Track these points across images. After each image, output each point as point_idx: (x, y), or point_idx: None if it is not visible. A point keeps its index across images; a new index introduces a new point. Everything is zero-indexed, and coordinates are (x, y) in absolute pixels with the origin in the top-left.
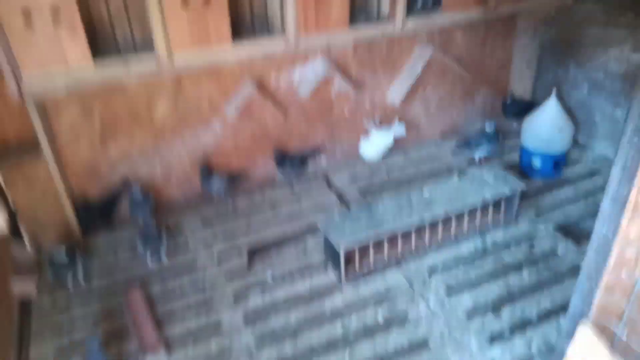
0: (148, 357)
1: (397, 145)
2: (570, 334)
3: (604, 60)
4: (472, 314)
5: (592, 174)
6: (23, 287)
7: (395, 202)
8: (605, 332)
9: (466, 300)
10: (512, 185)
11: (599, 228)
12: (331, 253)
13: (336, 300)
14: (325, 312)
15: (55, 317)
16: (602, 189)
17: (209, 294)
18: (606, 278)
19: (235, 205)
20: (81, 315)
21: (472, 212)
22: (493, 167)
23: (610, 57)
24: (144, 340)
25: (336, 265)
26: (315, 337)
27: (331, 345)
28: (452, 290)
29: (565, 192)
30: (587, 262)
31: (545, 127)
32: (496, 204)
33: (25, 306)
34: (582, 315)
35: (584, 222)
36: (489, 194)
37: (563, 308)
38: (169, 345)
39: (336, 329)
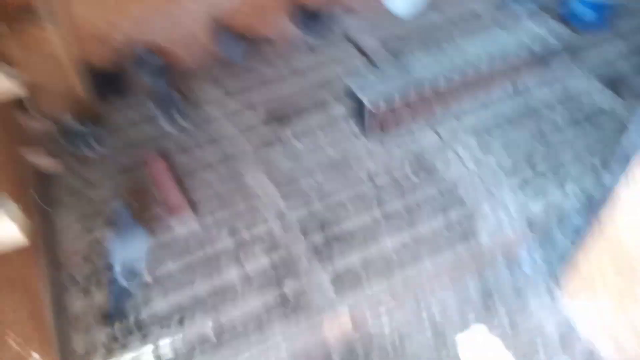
0: (175, 218)
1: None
2: (622, 172)
3: None
4: (506, 164)
5: None
6: (40, 157)
7: (430, 56)
8: None
9: (501, 151)
10: (558, 36)
11: None
12: (360, 111)
13: (365, 158)
14: (354, 169)
15: (75, 185)
16: None
17: (233, 158)
18: None
19: (254, 69)
20: (102, 183)
21: (513, 63)
22: (539, 18)
23: None
24: (170, 202)
25: (365, 123)
26: (344, 194)
27: (361, 201)
28: (486, 142)
29: (615, 45)
30: None
31: None
32: (540, 56)
33: (43, 175)
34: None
35: (633, 78)
36: (533, 45)
37: (600, 156)
38: (195, 207)
39: (366, 186)
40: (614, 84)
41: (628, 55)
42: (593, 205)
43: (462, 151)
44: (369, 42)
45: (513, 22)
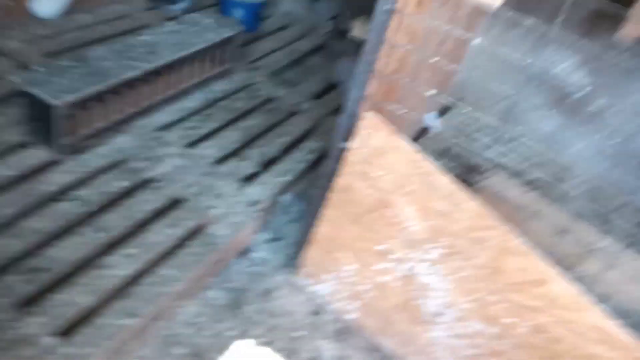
0: None
1: (77, 2)
2: (349, 127)
3: None
4: (219, 160)
5: (284, 27)
6: None
7: (111, 51)
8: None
9: (210, 149)
10: (232, 27)
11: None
12: (39, 118)
13: (59, 176)
14: (49, 191)
15: None
16: (298, 38)
17: None
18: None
19: None
20: None
21: (198, 57)
22: (208, 14)
23: None
24: None
25: (48, 133)
26: (45, 222)
27: (71, 226)
28: (192, 142)
29: (268, 42)
30: (367, 49)
31: None
32: (217, 50)
33: None
34: (359, 105)
35: (291, 69)
36: (212, 38)
37: (303, 139)
38: None
39: (70, 208)
40: (279, 74)
41: (279, 48)
42: (310, 180)
43: (170, 152)
44: (18, 47)
45: (168, 22)
